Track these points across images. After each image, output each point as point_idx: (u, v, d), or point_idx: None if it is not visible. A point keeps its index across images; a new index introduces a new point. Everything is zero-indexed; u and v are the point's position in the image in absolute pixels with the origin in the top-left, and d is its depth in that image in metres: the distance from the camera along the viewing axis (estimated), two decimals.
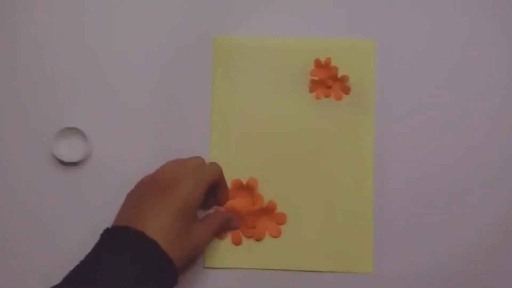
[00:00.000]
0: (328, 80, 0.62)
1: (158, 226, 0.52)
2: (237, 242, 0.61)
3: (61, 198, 0.63)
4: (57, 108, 0.64)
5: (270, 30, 0.63)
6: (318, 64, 0.62)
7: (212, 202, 0.62)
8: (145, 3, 0.64)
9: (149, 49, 0.64)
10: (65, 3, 0.64)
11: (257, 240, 0.61)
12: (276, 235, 0.62)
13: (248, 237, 0.61)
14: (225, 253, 0.61)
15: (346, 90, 0.62)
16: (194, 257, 0.59)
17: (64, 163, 0.63)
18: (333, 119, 0.62)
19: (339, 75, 0.62)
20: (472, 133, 0.62)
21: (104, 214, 0.61)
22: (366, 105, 0.62)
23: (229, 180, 0.62)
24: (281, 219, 0.62)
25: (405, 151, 0.62)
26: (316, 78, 0.62)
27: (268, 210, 0.62)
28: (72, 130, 0.63)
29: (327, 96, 0.63)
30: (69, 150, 0.63)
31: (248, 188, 0.62)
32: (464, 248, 0.62)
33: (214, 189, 0.60)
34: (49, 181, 0.63)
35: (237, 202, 0.62)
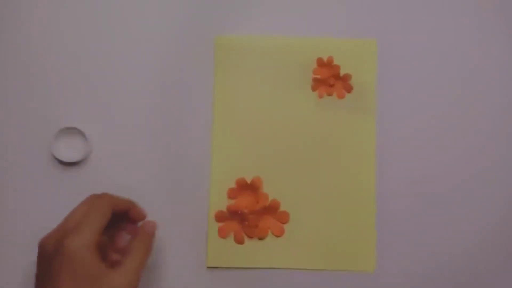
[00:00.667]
0: (330, 79, 0.62)
1: None
2: (239, 241, 0.61)
3: (61, 198, 0.62)
4: (57, 108, 0.63)
5: (272, 30, 0.63)
6: (320, 63, 0.63)
7: (136, 228, 0.57)
8: (146, 3, 0.64)
9: (150, 49, 0.64)
10: (66, 2, 0.64)
11: (260, 239, 0.61)
12: (279, 234, 0.61)
13: (251, 236, 0.61)
14: (228, 252, 0.61)
15: (349, 89, 0.63)
16: None
17: (64, 163, 0.63)
18: (335, 117, 0.62)
19: (341, 73, 0.62)
20: (473, 132, 0.63)
21: None
22: (368, 104, 0.62)
23: (233, 179, 0.61)
24: (284, 218, 0.61)
25: (407, 149, 0.62)
26: (318, 76, 0.62)
27: (271, 209, 0.61)
28: (72, 130, 0.62)
29: (329, 94, 0.63)
30: (69, 150, 0.62)
31: (252, 187, 0.61)
32: (465, 248, 0.62)
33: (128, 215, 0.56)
34: (49, 181, 0.62)
35: (240, 201, 0.61)
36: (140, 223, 0.56)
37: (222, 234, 0.61)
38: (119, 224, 0.56)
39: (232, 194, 0.62)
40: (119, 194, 0.58)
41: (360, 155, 0.62)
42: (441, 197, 0.62)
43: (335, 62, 0.63)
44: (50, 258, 0.49)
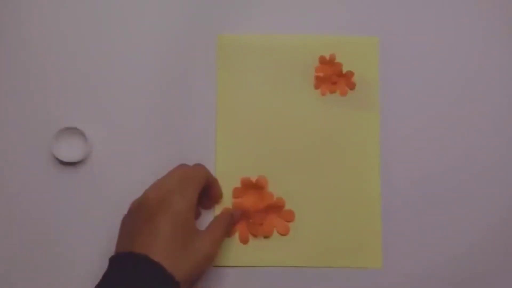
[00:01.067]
0: (333, 76, 0.63)
1: (159, 248, 0.51)
2: (244, 240, 0.60)
3: (61, 198, 0.61)
4: (57, 108, 0.62)
5: (274, 28, 0.64)
6: (322, 60, 0.63)
7: (208, 204, 0.61)
8: (146, 2, 0.64)
9: (151, 48, 0.63)
10: (66, 2, 0.64)
11: (265, 237, 0.60)
12: (285, 232, 0.61)
13: (256, 235, 0.60)
14: (233, 251, 0.60)
15: (351, 86, 0.63)
16: (204, 269, 0.57)
17: (64, 163, 0.62)
18: (338, 115, 0.63)
19: (344, 71, 0.63)
20: (476, 129, 0.63)
21: (103, 214, 0.61)
22: (371, 101, 0.63)
23: (238, 178, 0.61)
24: (289, 217, 0.61)
25: (411, 146, 0.62)
26: (321, 74, 0.63)
27: (276, 208, 0.61)
28: (72, 130, 0.61)
29: (332, 92, 0.63)
30: (69, 150, 0.62)
31: (257, 186, 0.61)
32: (471, 244, 0.62)
33: (207, 190, 0.60)
34: (49, 181, 0.61)
35: (245, 200, 0.61)
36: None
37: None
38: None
39: (237, 193, 0.61)
40: (118, 194, 0.60)
41: (364, 152, 0.62)
42: (446, 194, 0.62)
43: (337, 60, 0.63)
44: (153, 208, 0.53)
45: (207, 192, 0.60)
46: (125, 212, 0.56)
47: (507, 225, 0.62)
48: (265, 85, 0.63)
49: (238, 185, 0.61)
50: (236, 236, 0.61)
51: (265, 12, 0.64)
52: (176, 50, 0.63)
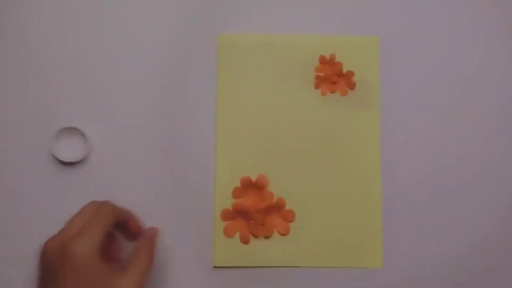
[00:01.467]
0: (333, 76, 0.63)
1: None
2: (245, 241, 0.60)
3: (61, 198, 0.61)
4: (57, 108, 0.62)
5: (274, 28, 0.64)
6: (323, 60, 0.63)
7: (131, 237, 0.57)
8: (147, 2, 0.64)
9: (151, 48, 0.63)
10: (66, 2, 0.64)
11: (266, 237, 0.60)
12: (285, 232, 0.61)
13: (257, 235, 0.60)
14: (234, 252, 0.60)
15: (351, 86, 0.63)
16: None
17: (64, 163, 0.61)
18: (339, 114, 0.63)
19: (344, 70, 0.63)
20: (476, 129, 0.63)
21: None
22: (371, 100, 0.63)
23: (238, 178, 0.61)
24: (289, 217, 0.61)
25: (411, 145, 0.62)
26: (321, 74, 0.63)
27: (277, 207, 0.61)
28: (72, 130, 0.61)
29: (332, 92, 0.63)
30: (69, 150, 0.61)
31: (257, 186, 0.61)
32: (472, 245, 0.62)
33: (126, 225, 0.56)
34: (49, 181, 0.61)
35: (245, 200, 0.61)
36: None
37: (228, 233, 0.60)
38: (114, 233, 0.57)
39: (237, 193, 0.61)
40: (118, 194, 0.60)
41: (364, 152, 0.62)
42: (446, 194, 0.62)
43: (338, 60, 0.63)
44: (54, 262, 0.49)
45: (126, 227, 0.56)
46: None
47: (508, 225, 0.62)
48: (265, 85, 0.63)
49: (238, 184, 0.61)
50: (237, 236, 0.60)
51: (265, 12, 0.64)
52: (176, 50, 0.63)
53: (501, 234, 0.62)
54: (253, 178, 0.61)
